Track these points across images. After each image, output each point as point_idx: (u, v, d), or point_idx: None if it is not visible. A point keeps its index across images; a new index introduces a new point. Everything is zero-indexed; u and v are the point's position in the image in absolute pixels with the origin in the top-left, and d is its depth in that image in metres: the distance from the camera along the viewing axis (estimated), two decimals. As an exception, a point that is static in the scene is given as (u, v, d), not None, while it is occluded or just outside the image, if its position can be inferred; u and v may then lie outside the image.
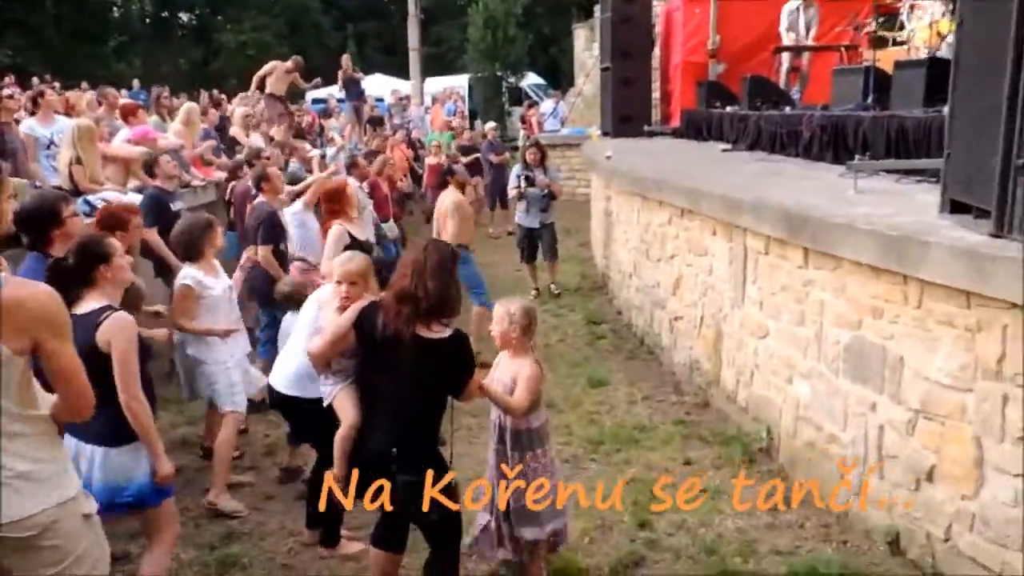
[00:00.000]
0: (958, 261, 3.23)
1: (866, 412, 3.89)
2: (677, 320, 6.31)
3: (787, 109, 8.56)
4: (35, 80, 16.49)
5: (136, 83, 18.94)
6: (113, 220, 4.47)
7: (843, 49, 9.78)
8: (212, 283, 4.38)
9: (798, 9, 10.26)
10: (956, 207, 3.78)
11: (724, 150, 8.51)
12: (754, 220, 4.80)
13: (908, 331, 3.59)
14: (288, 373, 3.81)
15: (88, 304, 3.02)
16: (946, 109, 5.19)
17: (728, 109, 9.80)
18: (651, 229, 6.94)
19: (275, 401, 3.96)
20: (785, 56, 10.43)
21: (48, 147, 6.68)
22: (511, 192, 9.01)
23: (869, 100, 6.73)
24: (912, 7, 7.66)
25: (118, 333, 2.95)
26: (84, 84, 15.92)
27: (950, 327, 3.36)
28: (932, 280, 3.39)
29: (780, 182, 5.69)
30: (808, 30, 10.38)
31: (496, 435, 3.51)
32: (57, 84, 14.58)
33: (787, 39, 10.36)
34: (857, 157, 5.29)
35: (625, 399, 5.86)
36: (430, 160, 12.74)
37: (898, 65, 6.36)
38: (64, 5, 28.23)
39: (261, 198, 6.05)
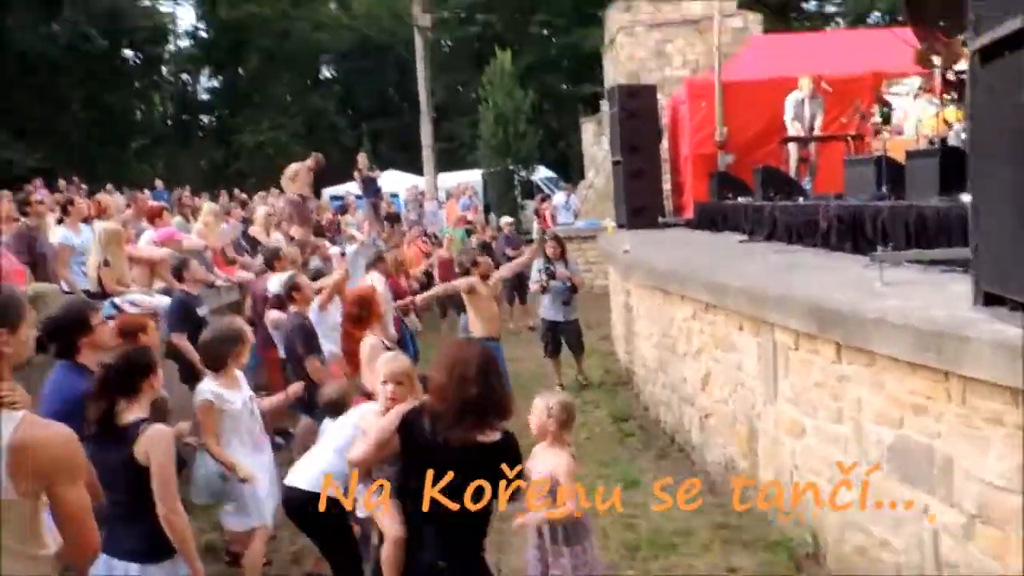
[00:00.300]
0: (1001, 356, 3.16)
1: (918, 517, 3.75)
2: (708, 417, 6.20)
3: (800, 199, 8.66)
4: (61, 182, 16.99)
5: (159, 184, 19.45)
6: (133, 326, 4.52)
7: (849, 139, 9.97)
8: (232, 396, 4.27)
9: (803, 100, 10.53)
10: (989, 299, 3.75)
11: (741, 241, 8.57)
12: (781, 315, 4.77)
13: (954, 429, 3.50)
14: (311, 472, 3.76)
15: (128, 416, 3.02)
16: (964, 197, 5.29)
17: (741, 200, 9.94)
18: (675, 324, 6.92)
19: (292, 503, 3.86)
20: (792, 146, 10.64)
21: (82, 254, 6.78)
22: (533, 286, 9.03)
23: (883, 190, 6.81)
24: (917, 96, 7.83)
25: (156, 446, 2.94)
26: (109, 186, 16.37)
27: (999, 425, 3.27)
28: (975, 376, 3.32)
29: (803, 274, 5.68)
30: (814, 120, 10.63)
31: (535, 531, 3.46)
32: (84, 187, 14.93)
33: (792, 129, 10.60)
34: (880, 248, 5.29)
35: (658, 500, 5.69)
36: (442, 253, 12.88)
37: (910, 155, 6.45)
38: (91, 109, 29.31)
39: (293, 308, 6.06)
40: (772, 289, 5.04)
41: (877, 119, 8.66)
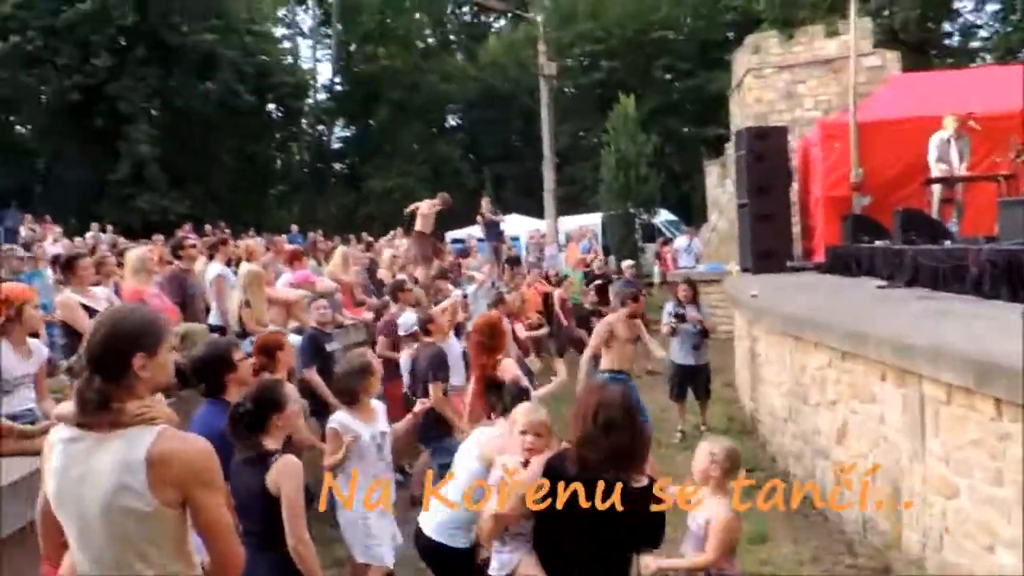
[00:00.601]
0: None
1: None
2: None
3: (947, 243, 8.12)
4: (207, 227, 18.32)
5: (294, 228, 20.59)
6: (271, 344, 4.74)
7: (1001, 179, 9.31)
8: (360, 428, 4.34)
9: (949, 140, 9.94)
10: None
11: (880, 287, 8.10)
12: (932, 366, 4.43)
13: None
14: (438, 519, 3.73)
15: (261, 447, 3.12)
16: None
17: (878, 243, 9.43)
18: (808, 372, 6.57)
19: (421, 545, 3.84)
20: (936, 187, 10.02)
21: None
22: (663, 329, 8.88)
23: (1044, 233, 6.28)
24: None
25: (287, 477, 3.03)
26: (252, 231, 17.49)
27: None
28: None
29: (953, 322, 5.28)
30: (961, 160, 10.00)
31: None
32: (228, 231, 15.98)
33: (937, 170, 9.99)
34: (1046, 297, 4.85)
35: (792, 558, 5.37)
36: (560, 295, 12.91)
37: (1077, 196, 5.92)
38: (236, 159, 31.57)
39: (428, 339, 6.23)
40: (920, 338, 4.70)
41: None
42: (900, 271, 8.08)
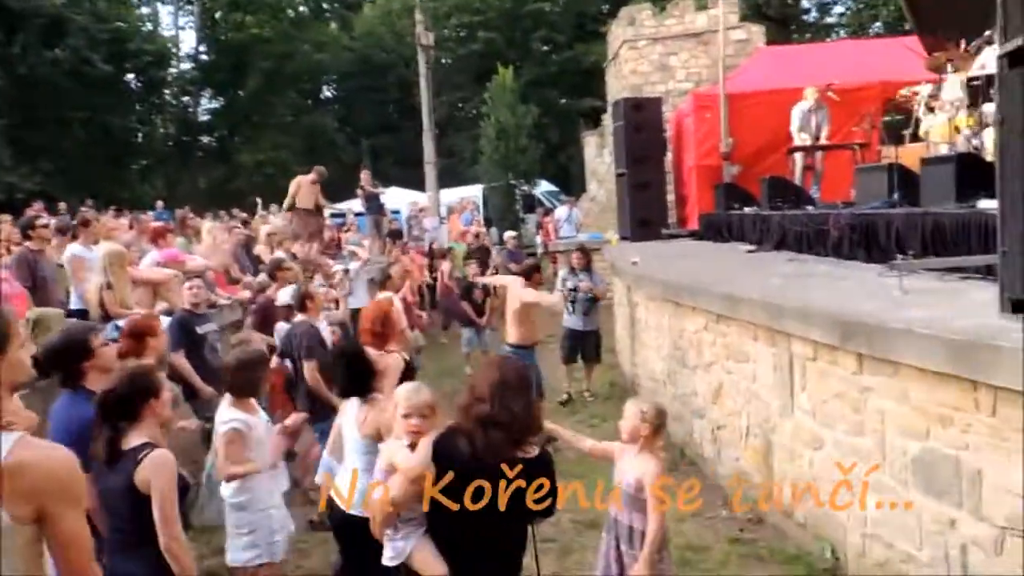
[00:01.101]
0: (1033, 366, 3.07)
1: (944, 530, 3.63)
2: (719, 429, 6.08)
3: (809, 208, 8.58)
4: (62, 205, 16.96)
5: (160, 204, 19.42)
6: (140, 329, 4.42)
7: (857, 147, 9.91)
8: (255, 422, 4.07)
9: (809, 110, 10.48)
10: (1017, 307, 3.65)
11: (749, 251, 8.48)
12: (801, 325, 4.66)
13: (984, 441, 3.39)
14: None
15: (130, 440, 2.92)
16: (983, 204, 5.20)
17: (748, 210, 9.86)
18: (685, 336, 6.81)
19: (336, 519, 3.77)
20: (798, 155, 10.57)
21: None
22: (555, 295, 8.79)
23: (895, 197, 6.72)
24: (930, 106, 7.75)
25: (158, 472, 2.84)
26: (111, 210, 16.31)
27: (1032, 436, 3.16)
28: (1007, 386, 3.21)
29: (818, 284, 5.59)
30: (820, 130, 10.57)
31: (614, 534, 3.67)
32: (89, 207, 14.84)
33: (799, 139, 10.54)
34: (900, 257, 5.19)
35: (671, 515, 5.52)
36: (445, 267, 12.87)
37: (925, 162, 6.36)
38: (93, 132, 29.33)
39: (303, 316, 6.02)
40: (789, 299, 4.94)
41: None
42: (768, 236, 8.49)
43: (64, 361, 3.48)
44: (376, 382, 3.98)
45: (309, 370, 5.73)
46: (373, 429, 3.66)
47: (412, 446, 3.00)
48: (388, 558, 3.02)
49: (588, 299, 8.81)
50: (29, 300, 5.87)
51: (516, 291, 7.11)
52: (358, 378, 3.92)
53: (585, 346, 8.95)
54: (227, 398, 4.08)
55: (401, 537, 3.00)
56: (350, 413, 3.89)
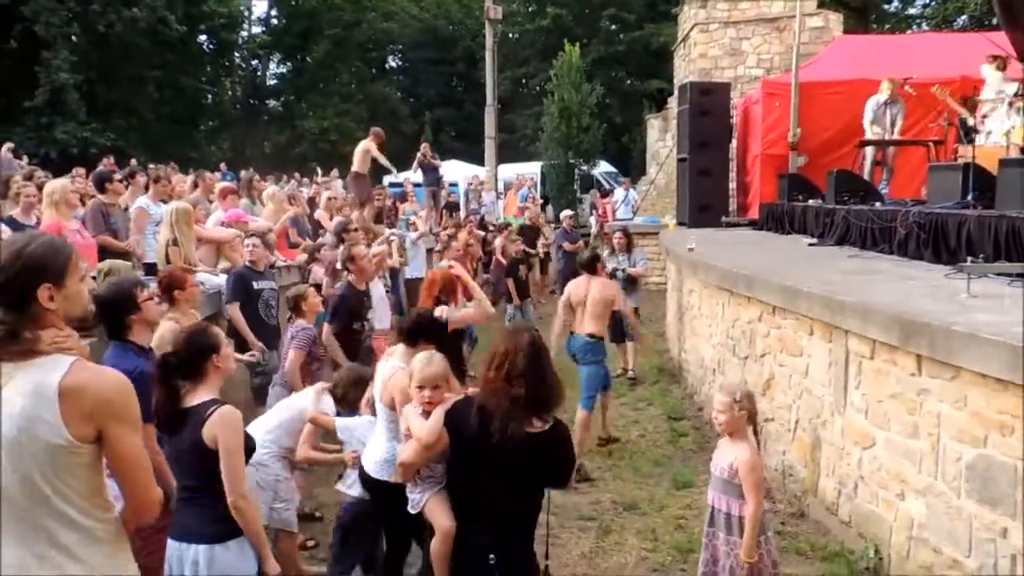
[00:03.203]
0: (1103, 378, 2.97)
1: (995, 538, 3.55)
2: (768, 422, 6.01)
3: (876, 204, 8.34)
4: (133, 161, 17.46)
5: (223, 166, 19.85)
6: (172, 280, 4.55)
7: (931, 144, 9.59)
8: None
9: (884, 103, 10.14)
10: (1090, 317, 3.53)
11: (811, 244, 8.32)
12: (859, 322, 4.57)
13: (1045, 452, 3.30)
14: (377, 457, 3.78)
15: (196, 397, 2.97)
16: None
17: (812, 202, 9.63)
18: (738, 325, 6.72)
19: (365, 482, 3.88)
20: (869, 149, 10.27)
21: (157, 225, 6.93)
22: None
23: (969, 198, 6.50)
24: (1011, 103, 7.45)
25: (225, 428, 2.87)
26: (173, 164, 16.72)
27: (1096, 451, 3.06)
28: (1073, 398, 3.12)
29: (881, 281, 5.46)
30: (894, 124, 10.23)
31: (715, 523, 3.70)
32: (157, 165, 15.27)
33: (871, 133, 10.22)
34: (970, 259, 5.03)
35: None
36: (502, 242, 12.90)
37: (1003, 163, 6.12)
38: (165, 91, 30.08)
39: (348, 278, 6.18)
40: (850, 295, 4.83)
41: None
42: (831, 230, 8.29)
43: (110, 313, 3.50)
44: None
45: (326, 332, 5.83)
46: (388, 398, 3.73)
47: (426, 414, 3.10)
48: (409, 507, 3.26)
49: (624, 279, 8.79)
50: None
51: (605, 292, 6.71)
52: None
53: (613, 327, 8.45)
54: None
55: (419, 491, 3.23)
56: (379, 381, 3.95)
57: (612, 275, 8.59)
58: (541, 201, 18.87)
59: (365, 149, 12.16)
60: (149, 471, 2.10)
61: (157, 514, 2.17)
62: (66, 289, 2.03)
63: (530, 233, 13.86)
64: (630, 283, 8.97)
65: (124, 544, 2.12)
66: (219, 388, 3.05)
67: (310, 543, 4.93)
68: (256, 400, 5.97)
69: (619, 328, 8.66)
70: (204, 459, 2.75)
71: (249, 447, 3.05)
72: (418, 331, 3.97)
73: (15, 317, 1.94)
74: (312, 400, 4.38)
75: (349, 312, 6.04)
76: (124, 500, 2.09)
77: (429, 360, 3.26)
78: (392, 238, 9.78)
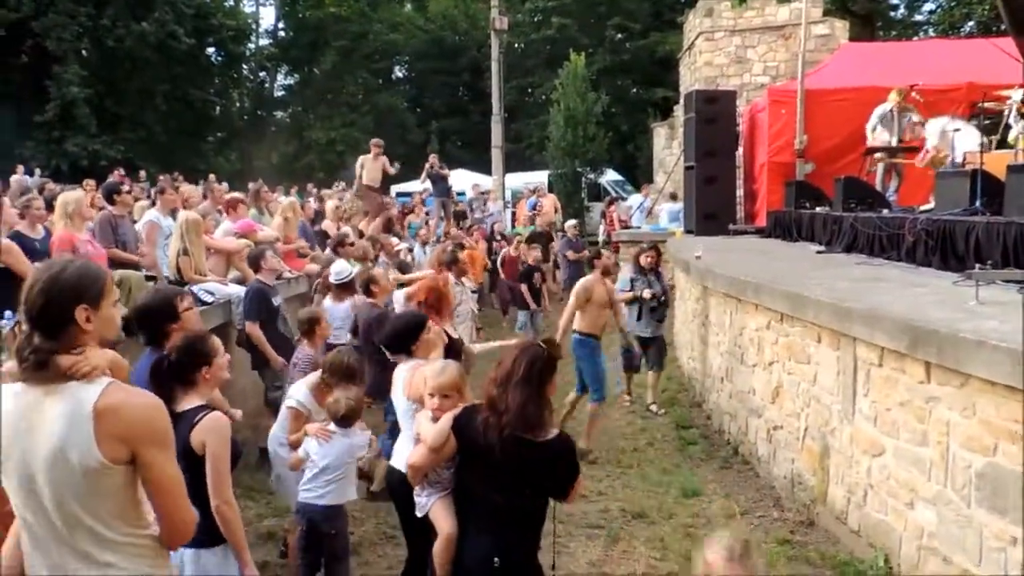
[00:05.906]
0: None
1: (1006, 547, 3.53)
2: (776, 430, 6.00)
3: (884, 211, 8.34)
4: (142, 173, 17.62)
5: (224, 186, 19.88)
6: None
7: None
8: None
9: (892, 112, 10.12)
10: (1099, 324, 3.52)
11: (819, 251, 8.32)
12: (867, 330, 4.56)
13: (1055, 460, 3.28)
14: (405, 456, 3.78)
15: (185, 403, 2.98)
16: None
17: (819, 209, 9.64)
18: (746, 333, 6.72)
19: (393, 480, 3.86)
20: (879, 157, 10.24)
21: (167, 238, 6.98)
22: (621, 296, 7.83)
23: (977, 204, 6.49)
24: (1019, 110, 7.44)
25: (213, 434, 2.88)
26: (177, 174, 16.81)
27: (1107, 458, 3.05)
28: (1083, 405, 3.11)
29: (889, 288, 5.45)
30: (900, 132, 10.20)
31: None
32: (174, 176, 15.39)
33: (873, 139, 10.18)
34: (978, 266, 5.02)
35: (722, 512, 5.54)
36: (509, 252, 12.90)
37: (1012, 169, 6.11)
38: (173, 104, 30.27)
39: (370, 299, 6.26)
40: (858, 303, 4.83)
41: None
42: (838, 237, 8.30)
43: (152, 321, 3.54)
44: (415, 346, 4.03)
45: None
46: (417, 394, 3.73)
47: (436, 419, 3.15)
48: (416, 510, 3.34)
49: (661, 305, 8.13)
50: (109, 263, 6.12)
51: (610, 294, 6.99)
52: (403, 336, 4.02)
53: (647, 353, 8.18)
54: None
55: (426, 495, 3.31)
56: (399, 381, 3.97)
57: (641, 300, 8.00)
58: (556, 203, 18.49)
59: (361, 163, 12.39)
60: (183, 493, 2.14)
61: (191, 535, 2.19)
62: (101, 311, 2.08)
63: (542, 240, 13.87)
64: (661, 306, 8.20)
65: (165, 558, 2.16)
66: (210, 395, 3.08)
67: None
68: (269, 412, 5.99)
69: (630, 357, 8.00)
70: (191, 464, 2.77)
71: (236, 453, 3.07)
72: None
73: (51, 345, 1.98)
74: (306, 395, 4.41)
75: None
76: (159, 522, 2.12)
77: (442, 369, 3.31)
78: (401, 249, 9.85)
